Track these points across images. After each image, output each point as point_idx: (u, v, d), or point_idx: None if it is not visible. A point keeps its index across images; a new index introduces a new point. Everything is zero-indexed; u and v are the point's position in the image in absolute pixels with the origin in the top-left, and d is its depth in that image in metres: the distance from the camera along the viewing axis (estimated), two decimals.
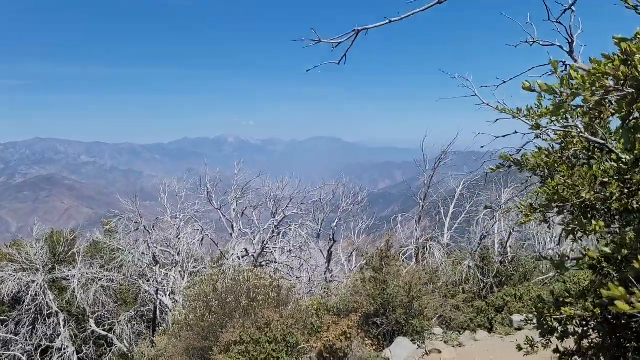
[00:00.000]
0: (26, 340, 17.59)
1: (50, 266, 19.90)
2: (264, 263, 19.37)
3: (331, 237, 22.30)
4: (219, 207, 19.71)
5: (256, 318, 10.96)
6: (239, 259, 17.56)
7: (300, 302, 14.04)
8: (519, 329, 9.79)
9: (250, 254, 18.52)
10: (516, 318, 9.98)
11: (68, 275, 19.25)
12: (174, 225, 19.37)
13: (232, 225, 19.78)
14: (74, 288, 18.83)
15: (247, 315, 12.10)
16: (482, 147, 5.21)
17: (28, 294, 17.19)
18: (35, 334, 17.81)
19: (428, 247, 18.05)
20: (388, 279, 10.83)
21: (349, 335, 10.36)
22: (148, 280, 18.07)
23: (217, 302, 12.29)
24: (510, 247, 18.89)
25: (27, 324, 17.80)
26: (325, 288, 16.28)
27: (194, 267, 18.03)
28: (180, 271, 18.33)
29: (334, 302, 14.50)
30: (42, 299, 17.93)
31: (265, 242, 18.15)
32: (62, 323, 18.48)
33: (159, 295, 17.13)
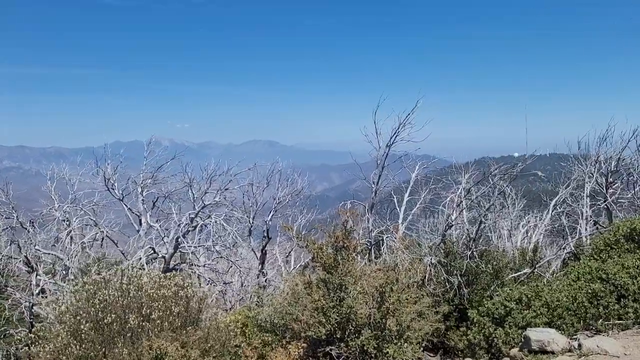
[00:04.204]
0: None
1: None
2: (180, 267, 15.35)
3: (265, 234, 18.56)
4: (121, 198, 15.49)
5: (141, 350, 7.09)
6: (144, 263, 13.47)
7: (220, 317, 10.25)
8: (542, 351, 6.60)
9: (161, 256, 14.45)
10: (534, 335, 6.78)
11: None
12: (63, 220, 15.01)
13: (140, 220, 15.63)
14: None
15: (138, 342, 8.21)
16: None
17: None
18: None
19: (384, 241, 14.69)
20: (346, 283, 7.27)
21: None
22: (23, 290, 13.69)
23: (90, 323, 8.29)
24: (479, 238, 15.92)
25: None
26: (256, 295, 12.53)
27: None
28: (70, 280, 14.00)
29: (267, 314, 10.81)
30: None
31: (179, 239, 14.13)
32: None
33: (34, 311, 12.81)
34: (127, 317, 8.45)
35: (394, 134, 15.08)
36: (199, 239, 16.26)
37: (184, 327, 8.68)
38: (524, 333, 7.25)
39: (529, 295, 8.61)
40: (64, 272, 14.44)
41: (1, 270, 13.99)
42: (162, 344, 6.99)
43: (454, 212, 16.61)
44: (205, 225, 14.46)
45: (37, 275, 13.66)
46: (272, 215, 18.00)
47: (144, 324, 8.30)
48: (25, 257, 13.45)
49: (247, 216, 17.46)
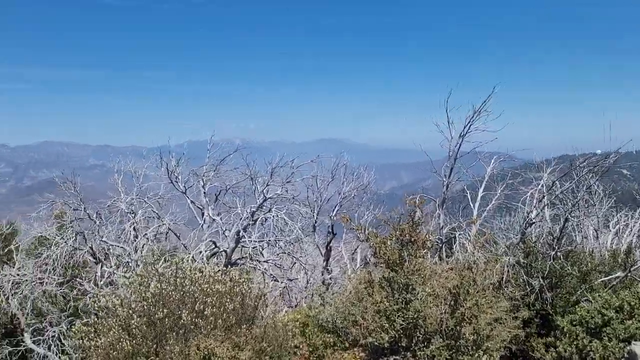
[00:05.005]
0: None
1: None
2: (242, 262, 14.96)
3: (330, 230, 17.87)
4: (184, 191, 15.31)
5: (187, 350, 6.56)
6: (205, 257, 13.14)
7: (278, 316, 9.66)
8: None
9: (222, 250, 14.10)
10: None
11: None
12: (128, 212, 15.02)
13: (203, 214, 15.39)
14: (7, 294, 14.60)
15: (191, 339, 7.73)
16: None
17: None
18: None
19: (456, 239, 13.58)
20: (414, 283, 6.39)
21: None
22: (89, 282, 13.76)
23: (142, 317, 7.91)
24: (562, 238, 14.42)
25: None
26: (318, 294, 11.86)
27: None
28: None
29: (329, 314, 10.10)
30: None
31: (239, 233, 13.71)
32: None
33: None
34: (180, 312, 8.02)
35: (468, 122, 13.93)
36: (263, 233, 15.84)
37: (239, 325, 8.15)
38: (627, 347, 6.10)
39: (632, 303, 7.35)
40: (129, 264, 14.43)
41: (68, 261, 14.12)
42: (210, 344, 6.42)
43: (534, 209, 15.19)
44: (266, 220, 13.95)
45: (102, 266, 13.69)
46: (337, 211, 17.29)
47: (196, 320, 7.83)
48: (91, 248, 13.49)
49: (311, 211, 16.85)
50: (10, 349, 14.64)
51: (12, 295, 14.72)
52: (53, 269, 13.82)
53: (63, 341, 14.52)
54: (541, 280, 13.31)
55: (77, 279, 15.13)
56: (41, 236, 16.25)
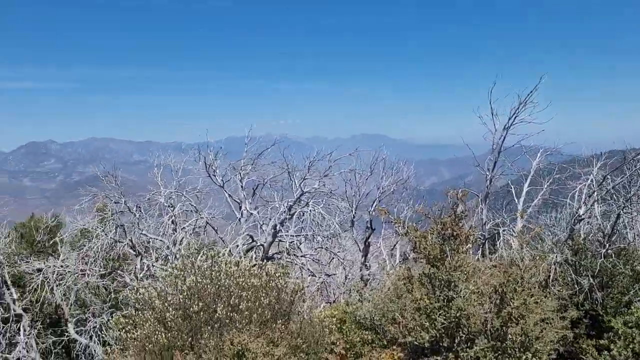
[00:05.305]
0: None
1: (18, 258, 16.07)
2: (280, 256, 14.85)
3: (368, 225, 17.56)
4: (222, 184, 15.28)
5: (222, 345, 6.41)
6: (242, 251, 13.07)
7: (315, 311, 9.44)
8: None
9: (259, 244, 14.01)
10: None
11: (42, 268, 15.36)
12: (167, 206, 15.12)
13: (240, 207, 15.34)
14: (51, 284, 14.97)
15: (226, 333, 7.61)
16: None
17: None
18: None
19: (500, 235, 13.06)
20: (456, 280, 6.05)
21: None
22: (129, 274, 13.92)
23: (178, 310, 7.84)
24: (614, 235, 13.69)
25: None
26: (356, 290, 11.60)
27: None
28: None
29: (367, 310, 9.83)
30: None
31: (276, 227, 13.57)
32: (25, 329, 14.54)
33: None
34: (215, 306, 7.92)
35: (513, 114, 13.37)
36: (301, 227, 15.68)
37: (274, 320, 7.98)
38: None
39: None
40: (167, 257, 14.52)
41: (109, 254, 14.32)
42: (244, 339, 6.26)
43: (583, 205, 14.48)
44: (303, 214, 13.76)
45: (141, 259, 13.82)
46: (376, 206, 16.94)
47: (231, 314, 7.70)
48: (130, 240, 13.63)
49: (349, 206, 16.58)
50: (54, 338, 14.99)
51: (56, 286, 15.08)
52: (94, 260, 14.03)
53: (104, 332, 14.79)
54: (591, 279, 12.68)
55: (118, 271, 15.36)
56: (84, 229, 16.56)
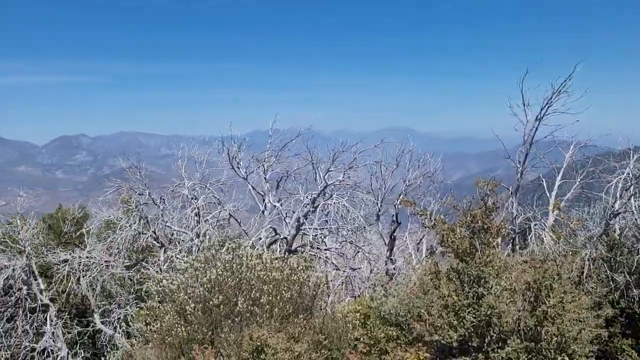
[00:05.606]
0: (1, 341, 13.93)
1: (46, 248, 16.22)
2: (303, 250, 14.64)
3: (394, 219, 17.20)
4: (245, 177, 15.14)
5: (242, 340, 6.22)
6: (265, 244, 12.90)
7: (338, 306, 9.21)
8: None
9: (282, 237, 13.83)
10: None
11: (68, 259, 15.49)
12: (191, 198, 15.05)
13: (264, 200, 15.19)
14: (78, 275, 15.09)
15: (246, 328, 7.43)
16: None
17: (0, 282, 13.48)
18: (15, 333, 14.09)
19: (531, 229, 12.60)
20: (486, 275, 5.71)
21: None
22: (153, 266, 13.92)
23: (198, 304, 7.69)
24: None
25: (3, 320, 14.15)
26: (380, 284, 11.31)
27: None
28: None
29: (392, 305, 9.54)
30: (25, 289, 14.19)
31: (300, 220, 13.36)
32: (52, 319, 14.67)
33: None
34: (236, 299, 7.75)
35: (546, 104, 12.82)
36: (325, 221, 15.44)
37: (296, 314, 7.77)
38: None
39: None
40: (191, 249, 14.47)
41: (133, 245, 14.34)
42: (263, 335, 6.06)
43: (618, 199, 13.90)
44: (327, 207, 13.52)
45: (165, 251, 13.79)
46: (402, 198, 16.57)
47: (252, 308, 7.52)
48: (154, 232, 13.60)
49: (374, 199, 16.25)
50: (80, 329, 15.11)
51: (82, 276, 15.19)
52: (118, 251, 14.08)
53: (129, 323, 14.87)
54: (627, 276, 12.17)
55: (143, 263, 15.40)
56: (109, 220, 16.67)
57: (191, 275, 8.20)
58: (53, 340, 14.47)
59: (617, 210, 13.20)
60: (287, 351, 6.03)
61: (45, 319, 14.81)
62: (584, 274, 12.28)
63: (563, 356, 5.60)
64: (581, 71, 13.19)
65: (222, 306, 7.58)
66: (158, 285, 8.32)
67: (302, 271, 8.40)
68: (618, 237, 13.08)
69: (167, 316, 7.68)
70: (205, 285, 7.81)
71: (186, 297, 7.72)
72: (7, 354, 14.23)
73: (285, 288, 7.85)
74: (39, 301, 14.94)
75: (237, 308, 7.57)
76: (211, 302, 7.54)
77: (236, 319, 7.59)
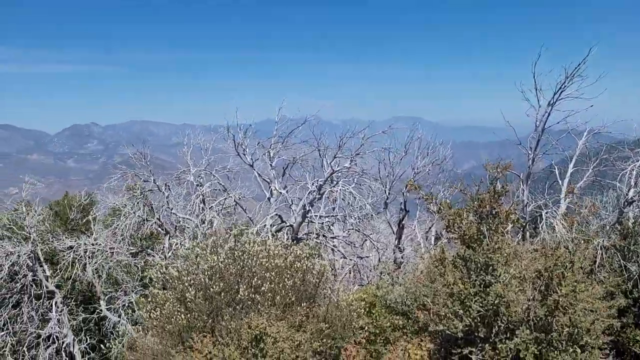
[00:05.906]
0: (6, 327, 13.91)
1: (52, 235, 16.17)
2: (310, 237, 14.45)
3: (402, 207, 16.95)
4: (251, 163, 14.94)
5: (239, 328, 6.04)
6: (270, 231, 12.70)
7: (342, 294, 9.00)
8: None
9: (288, 224, 13.64)
10: None
11: (74, 246, 15.43)
12: (196, 185, 14.89)
13: (270, 187, 14.99)
14: (83, 262, 15.04)
15: (247, 316, 7.25)
16: None
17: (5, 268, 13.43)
18: (20, 319, 14.07)
19: (543, 217, 12.30)
20: (495, 263, 5.46)
21: None
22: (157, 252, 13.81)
23: (199, 291, 7.52)
24: None
25: (9, 306, 14.13)
26: (387, 272, 11.10)
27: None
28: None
29: (398, 294, 9.34)
30: (30, 275, 14.15)
31: (306, 207, 13.15)
32: (57, 305, 14.64)
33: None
34: (237, 287, 7.57)
35: (559, 88, 12.44)
36: (332, 208, 15.22)
37: (299, 302, 7.58)
38: None
39: None
40: (196, 236, 14.34)
41: (137, 232, 14.24)
42: (262, 323, 5.87)
43: (633, 187, 13.55)
44: (333, 193, 13.28)
45: (169, 238, 13.66)
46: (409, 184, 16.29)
47: (254, 296, 7.34)
48: (158, 219, 13.46)
49: (382, 186, 15.99)
50: (85, 315, 15.08)
51: (88, 263, 15.13)
52: (122, 238, 13.98)
53: (133, 309, 14.82)
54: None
55: (148, 250, 15.30)
56: (115, 207, 16.59)
57: (192, 262, 8.03)
58: (58, 327, 14.46)
59: (632, 198, 12.87)
60: (287, 340, 5.84)
61: (51, 305, 14.79)
62: (597, 262, 11.98)
63: (575, 348, 5.34)
64: (596, 54, 12.80)
65: (223, 293, 7.40)
66: (159, 272, 8.16)
67: (305, 259, 8.19)
68: (632, 226, 12.75)
69: (167, 303, 7.52)
70: (206, 272, 7.64)
71: (186, 284, 7.55)
72: (13, 340, 14.21)
73: (288, 276, 7.66)
74: (45, 288, 14.91)
75: (239, 296, 7.39)
76: (212, 290, 7.36)
77: (237, 307, 7.42)
